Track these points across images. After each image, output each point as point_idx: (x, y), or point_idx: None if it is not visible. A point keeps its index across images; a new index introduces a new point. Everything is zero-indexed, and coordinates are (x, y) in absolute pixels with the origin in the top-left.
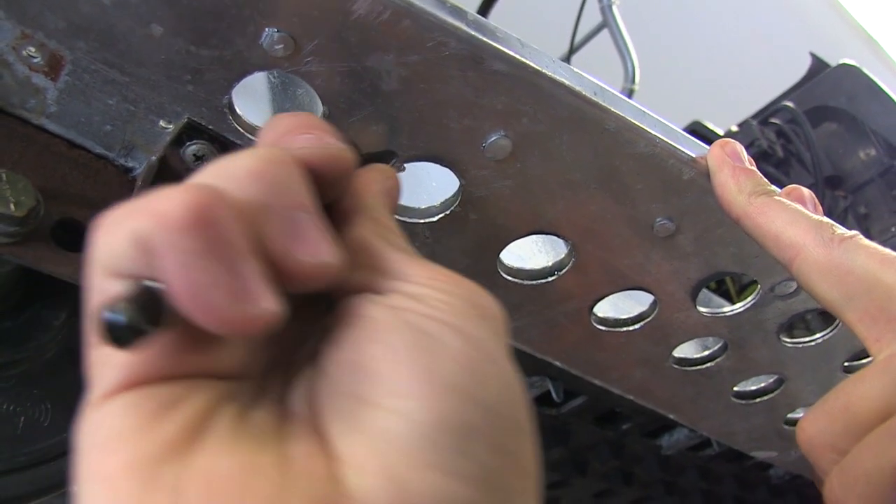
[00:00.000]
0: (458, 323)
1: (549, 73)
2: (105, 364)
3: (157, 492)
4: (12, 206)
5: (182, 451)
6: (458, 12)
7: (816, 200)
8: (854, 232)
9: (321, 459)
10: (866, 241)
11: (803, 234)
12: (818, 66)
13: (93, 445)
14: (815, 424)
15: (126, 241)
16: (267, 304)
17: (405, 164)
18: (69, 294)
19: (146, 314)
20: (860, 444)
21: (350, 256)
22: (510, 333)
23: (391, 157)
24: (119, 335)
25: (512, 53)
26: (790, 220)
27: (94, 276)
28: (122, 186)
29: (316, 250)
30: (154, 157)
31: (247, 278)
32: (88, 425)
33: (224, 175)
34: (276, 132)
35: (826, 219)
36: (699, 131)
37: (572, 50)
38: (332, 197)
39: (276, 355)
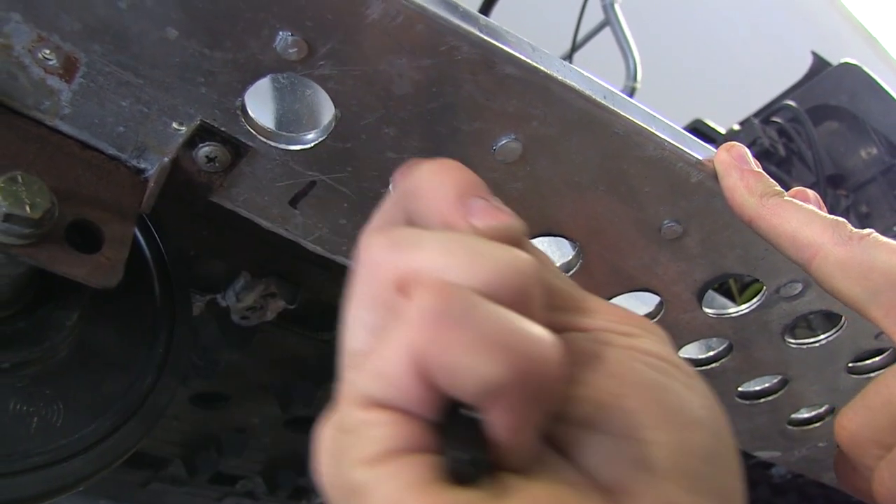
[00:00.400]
0: (674, 360)
1: (560, 77)
2: (381, 426)
3: None
4: (28, 209)
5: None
6: (471, 17)
7: (821, 201)
8: (869, 230)
9: (602, 498)
10: (884, 238)
11: (820, 234)
12: (820, 64)
13: (391, 498)
14: (855, 420)
15: (475, 383)
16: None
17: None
18: (81, 294)
19: (477, 447)
20: None
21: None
22: None
23: None
24: (463, 472)
25: (523, 58)
26: (805, 220)
27: (405, 379)
28: (135, 187)
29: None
30: (167, 159)
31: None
32: (374, 479)
33: (465, 279)
34: (439, 197)
35: (840, 218)
36: (701, 130)
37: (574, 48)
38: None
39: None
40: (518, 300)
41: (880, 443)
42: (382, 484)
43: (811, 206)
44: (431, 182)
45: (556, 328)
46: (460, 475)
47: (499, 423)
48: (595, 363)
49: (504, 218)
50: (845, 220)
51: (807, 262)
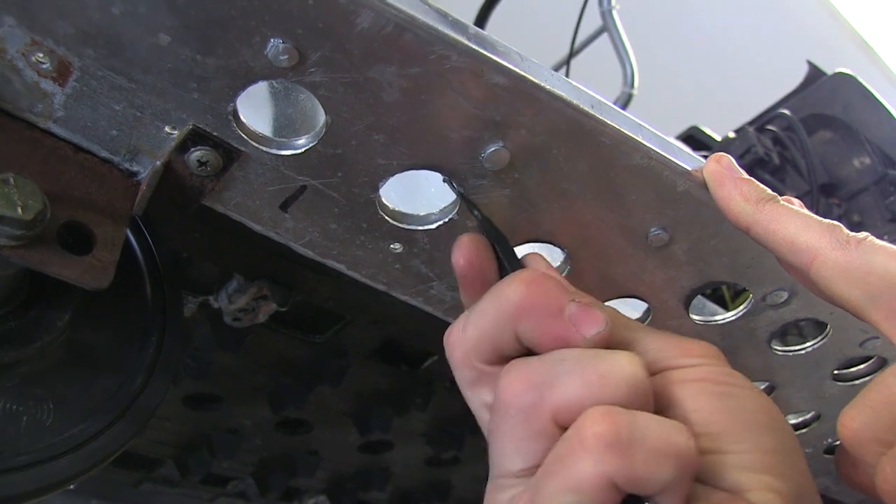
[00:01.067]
0: (732, 375)
1: (548, 87)
2: None
3: None
4: (20, 210)
5: None
6: (460, 26)
7: (804, 208)
8: (865, 234)
9: (730, 498)
10: (881, 242)
11: (818, 238)
12: (815, 74)
13: None
14: (857, 419)
15: (659, 484)
16: None
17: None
18: (73, 296)
19: None
20: None
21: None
22: None
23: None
24: None
25: (511, 67)
26: (803, 224)
27: (601, 492)
28: (127, 190)
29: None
30: (159, 162)
31: None
32: None
33: (608, 393)
34: (543, 315)
35: (835, 222)
36: (697, 137)
37: (572, 54)
38: None
39: None
40: (645, 396)
41: (882, 440)
42: None
43: (806, 211)
44: (532, 299)
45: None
46: None
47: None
48: (678, 404)
49: (599, 315)
50: (841, 224)
51: (805, 267)
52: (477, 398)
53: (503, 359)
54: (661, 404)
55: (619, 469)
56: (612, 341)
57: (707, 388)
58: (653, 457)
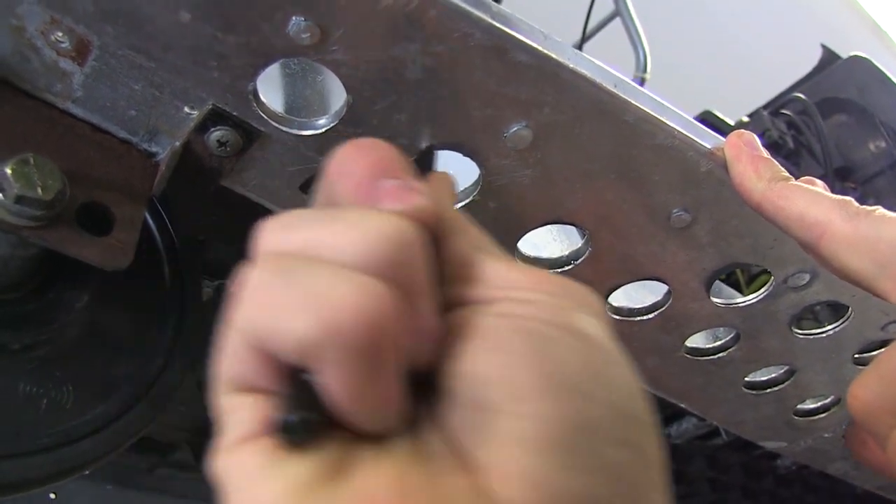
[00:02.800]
0: (572, 324)
1: (571, 66)
2: (238, 410)
3: None
4: (40, 190)
5: (333, 477)
6: (483, 4)
7: (828, 189)
8: (876, 207)
9: (464, 474)
10: (890, 213)
11: (827, 212)
12: (829, 57)
13: (241, 482)
14: (868, 390)
15: (291, 340)
16: (401, 403)
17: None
18: (91, 276)
19: (313, 410)
20: None
21: (453, 275)
22: None
23: (431, 153)
24: (295, 434)
25: (535, 45)
26: (812, 200)
27: (244, 351)
28: (146, 171)
29: (429, 340)
30: (178, 143)
31: (393, 384)
32: (230, 466)
33: (347, 254)
34: (354, 179)
35: (846, 197)
36: (710, 121)
37: (584, 38)
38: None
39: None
40: (392, 269)
41: (893, 412)
42: (232, 472)
43: (818, 188)
44: (346, 164)
45: (451, 301)
46: (294, 441)
47: (332, 382)
48: (476, 337)
49: (411, 198)
50: (851, 199)
51: (815, 241)
52: None
53: None
54: (460, 332)
55: (254, 319)
56: (453, 258)
57: (523, 324)
58: (291, 304)
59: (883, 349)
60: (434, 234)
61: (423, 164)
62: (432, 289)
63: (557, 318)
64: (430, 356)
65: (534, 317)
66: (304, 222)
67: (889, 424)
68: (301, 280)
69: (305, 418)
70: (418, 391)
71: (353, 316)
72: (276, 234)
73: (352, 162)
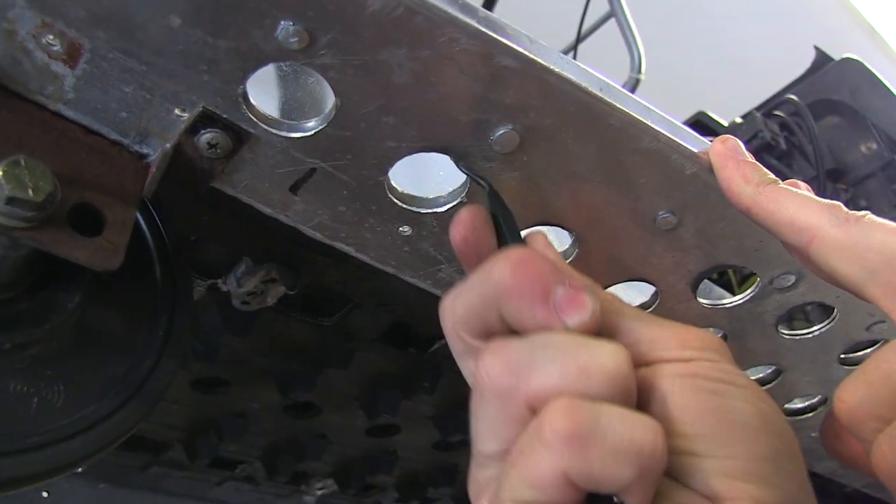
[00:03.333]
0: (730, 373)
1: (557, 70)
2: None
3: None
4: (31, 192)
5: None
6: (470, 9)
7: (812, 191)
8: (865, 212)
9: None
10: (880, 219)
11: (817, 216)
12: (822, 59)
13: None
14: (855, 395)
15: (617, 485)
16: None
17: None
18: (83, 277)
19: None
20: None
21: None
22: None
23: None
24: None
25: (521, 50)
26: (801, 204)
27: (561, 487)
28: (137, 172)
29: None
30: (169, 145)
31: None
32: None
33: (594, 382)
34: (528, 299)
35: (835, 202)
36: (704, 122)
37: (579, 39)
38: None
39: None
40: (626, 391)
41: (879, 416)
42: None
43: (806, 192)
44: (517, 281)
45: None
46: None
47: (636, 500)
48: (664, 399)
49: (586, 303)
50: (841, 204)
51: (805, 245)
52: (467, 369)
53: (490, 334)
54: (647, 398)
55: (575, 466)
56: (602, 329)
57: (698, 384)
58: (611, 455)
59: (870, 350)
60: None
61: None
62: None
63: (720, 371)
64: None
65: (705, 375)
66: (538, 365)
67: (874, 429)
68: (610, 432)
69: None
70: None
71: (657, 454)
72: (516, 379)
73: (523, 278)
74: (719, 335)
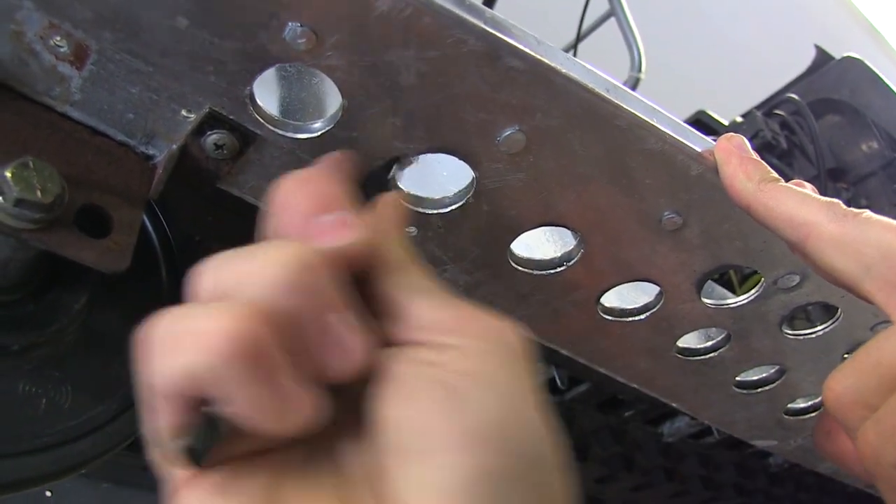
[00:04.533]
0: (488, 373)
1: (564, 70)
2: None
3: None
4: (39, 193)
5: None
6: (477, 10)
7: (817, 192)
8: (864, 209)
9: None
10: (878, 216)
11: (815, 213)
12: (823, 58)
13: None
14: (843, 382)
15: (180, 375)
16: (311, 407)
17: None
18: (89, 278)
19: (212, 435)
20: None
21: (383, 311)
22: (519, 323)
23: (394, 163)
24: (195, 458)
25: (528, 51)
26: (800, 201)
27: (155, 400)
28: (143, 173)
29: (349, 355)
30: (175, 146)
31: (292, 390)
32: None
33: (257, 283)
34: (292, 214)
35: (834, 199)
36: (704, 121)
37: (579, 38)
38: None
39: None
40: (294, 294)
41: (866, 404)
42: None
43: (806, 190)
44: (287, 199)
45: (383, 337)
46: (191, 460)
47: (230, 400)
48: (394, 383)
49: (346, 234)
50: (839, 201)
51: (802, 241)
52: None
53: None
54: (378, 376)
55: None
56: (376, 293)
57: (442, 378)
58: (177, 346)
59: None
60: (369, 266)
61: (380, 177)
62: (346, 310)
63: (474, 366)
64: (356, 377)
65: (452, 367)
66: (227, 261)
67: (860, 416)
68: (188, 322)
69: (206, 440)
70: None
71: (226, 340)
72: (207, 275)
73: (292, 196)
74: (723, 335)
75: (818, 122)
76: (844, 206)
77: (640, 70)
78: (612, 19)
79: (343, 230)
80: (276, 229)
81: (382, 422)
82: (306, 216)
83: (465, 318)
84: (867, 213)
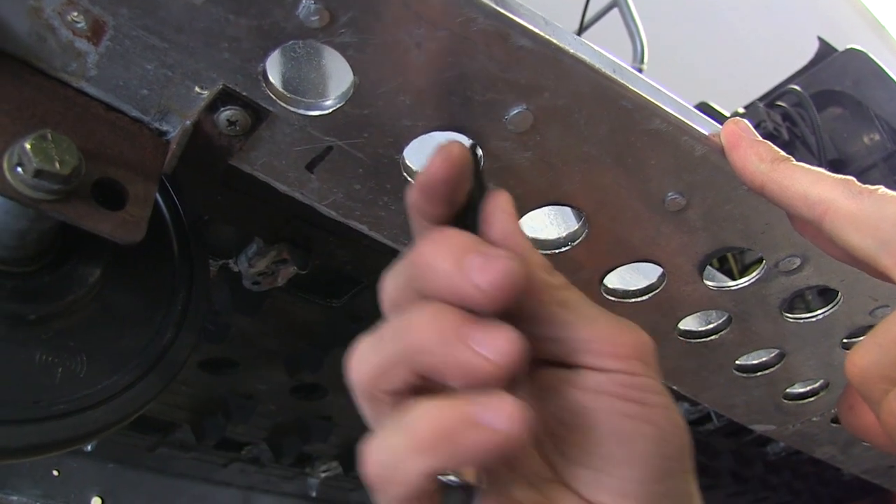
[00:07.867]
0: (648, 399)
1: (572, 51)
2: None
3: None
4: (57, 165)
5: None
6: None
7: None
8: (879, 186)
9: None
10: (892, 192)
11: (830, 190)
12: (825, 50)
13: None
14: (866, 357)
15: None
16: None
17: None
18: (103, 252)
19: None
20: None
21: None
22: None
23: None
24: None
25: (537, 30)
26: (815, 179)
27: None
28: (157, 149)
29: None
30: (188, 122)
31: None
32: None
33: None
34: (447, 268)
35: (849, 177)
36: (707, 112)
37: (582, 28)
38: None
39: None
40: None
41: (889, 377)
42: None
43: (819, 168)
44: (431, 254)
45: (540, 352)
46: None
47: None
48: (575, 413)
49: (502, 265)
50: (853, 178)
51: (818, 219)
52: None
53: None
54: (558, 403)
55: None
56: (534, 314)
57: (612, 405)
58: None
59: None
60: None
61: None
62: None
63: (634, 392)
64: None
65: (621, 395)
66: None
67: (883, 390)
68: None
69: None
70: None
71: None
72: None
73: (435, 250)
74: (724, 317)
75: (820, 114)
76: (859, 184)
77: (642, 61)
78: (616, 10)
79: (497, 262)
80: (427, 288)
81: (566, 441)
82: (456, 265)
83: (617, 337)
84: (882, 189)
